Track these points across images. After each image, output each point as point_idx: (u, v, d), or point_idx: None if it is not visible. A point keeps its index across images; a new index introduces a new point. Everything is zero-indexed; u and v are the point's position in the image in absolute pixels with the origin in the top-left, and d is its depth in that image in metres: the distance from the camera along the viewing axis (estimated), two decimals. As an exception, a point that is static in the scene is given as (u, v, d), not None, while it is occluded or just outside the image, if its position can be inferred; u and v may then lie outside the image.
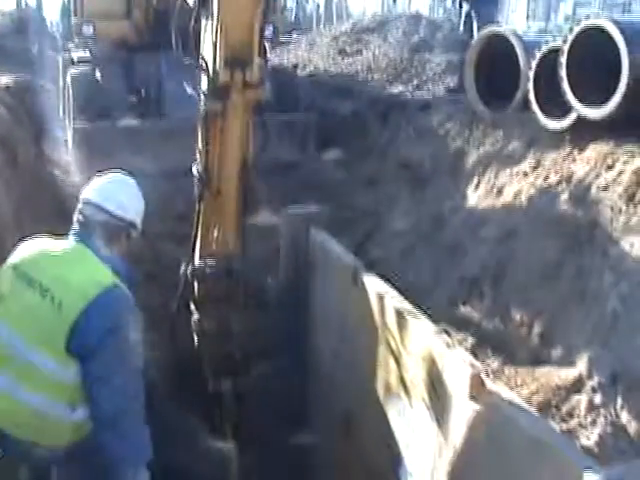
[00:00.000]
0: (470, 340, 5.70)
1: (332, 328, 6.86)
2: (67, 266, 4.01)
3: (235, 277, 6.64)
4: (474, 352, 5.31)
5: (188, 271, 6.56)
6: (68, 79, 11.30)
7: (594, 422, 4.69)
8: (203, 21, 5.57)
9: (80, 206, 4.17)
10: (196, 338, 6.88)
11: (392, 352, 5.59)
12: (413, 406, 5.33)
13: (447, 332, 5.12)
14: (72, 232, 4.13)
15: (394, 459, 5.67)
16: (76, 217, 4.15)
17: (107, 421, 3.84)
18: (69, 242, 4.10)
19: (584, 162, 5.86)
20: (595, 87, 6.09)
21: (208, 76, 5.64)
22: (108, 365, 3.84)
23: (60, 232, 4.21)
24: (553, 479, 3.85)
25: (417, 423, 5.29)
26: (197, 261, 6.54)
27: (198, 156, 6.09)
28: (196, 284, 6.67)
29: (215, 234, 6.40)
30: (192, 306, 6.79)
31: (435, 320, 5.37)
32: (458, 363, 4.69)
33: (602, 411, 4.68)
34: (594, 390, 4.78)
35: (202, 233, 6.44)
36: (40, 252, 4.10)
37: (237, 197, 6.24)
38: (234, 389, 7.01)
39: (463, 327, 5.88)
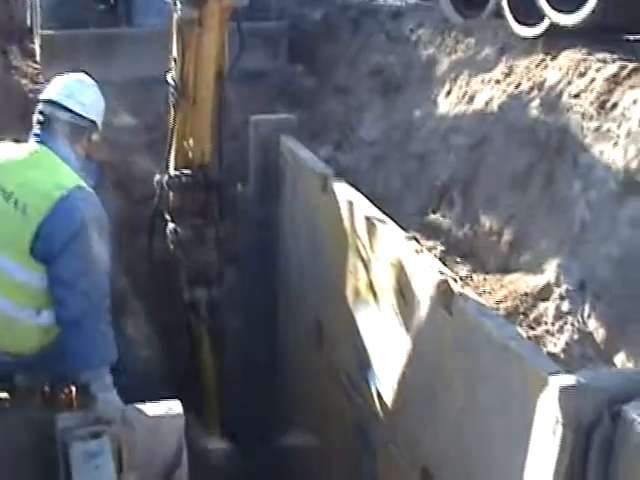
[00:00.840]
0: (439, 248, 5.65)
1: (302, 236, 6.80)
2: (30, 170, 3.91)
3: (211, 188, 6.59)
4: (443, 260, 5.25)
5: (163, 181, 6.49)
6: (35, -14, 10.98)
7: (561, 329, 4.66)
8: None
9: (41, 106, 4.06)
10: (171, 247, 6.84)
11: (361, 259, 5.54)
12: (382, 312, 5.29)
13: (416, 239, 5.05)
14: (33, 134, 4.02)
15: (363, 364, 5.66)
16: (36, 117, 4.05)
17: (72, 324, 3.78)
18: (31, 145, 3.99)
19: (556, 69, 5.74)
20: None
21: None
22: (73, 268, 3.77)
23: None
24: (519, 384, 3.82)
25: (386, 330, 5.26)
26: (172, 171, 6.46)
27: (173, 64, 5.95)
28: (171, 194, 6.60)
29: (191, 144, 6.31)
30: (167, 216, 6.73)
31: (405, 228, 5.31)
32: (426, 269, 4.63)
33: (569, 318, 4.65)
34: (562, 297, 4.75)
35: (177, 143, 6.34)
36: (2, 158, 4.00)
37: (213, 106, 6.13)
38: (209, 298, 6.99)
39: (432, 235, 5.83)
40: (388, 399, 5.35)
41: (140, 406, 2.98)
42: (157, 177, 6.48)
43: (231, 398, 7.51)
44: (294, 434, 7.29)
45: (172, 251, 6.81)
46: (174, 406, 2.93)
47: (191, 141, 6.24)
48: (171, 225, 6.67)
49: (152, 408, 2.94)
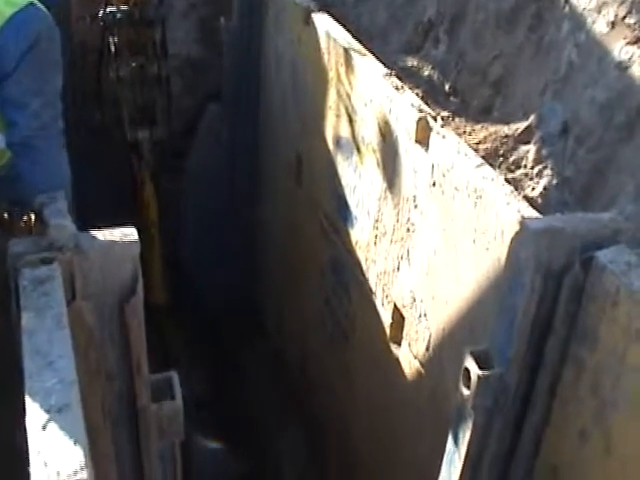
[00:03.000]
0: (422, 87, 5.41)
1: (284, 69, 6.55)
2: None
3: (149, 25, 6.44)
4: (425, 99, 5.02)
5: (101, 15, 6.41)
6: None
7: (540, 173, 4.49)
8: None
9: None
10: (116, 86, 6.73)
11: (341, 95, 5.33)
12: (360, 150, 5.11)
13: (398, 76, 4.81)
14: None
15: (341, 204, 5.54)
16: None
17: (22, 146, 3.60)
18: None
19: None
20: None
21: None
22: (25, 88, 3.56)
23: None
24: (492, 227, 3.69)
25: (363, 167, 5.10)
26: (110, 7, 6.39)
27: None
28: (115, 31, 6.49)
29: None
30: (112, 52, 6.55)
31: (388, 65, 5.07)
32: (406, 106, 4.43)
33: (549, 163, 4.47)
34: (543, 141, 4.55)
35: None
36: None
37: None
38: (151, 138, 6.88)
39: (415, 74, 5.58)
40: (363, 238, 5.25)
41: (94, 232, 2.80)
42: (100, 13, 6.40)
43: (210, 227, 7.49)
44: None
45: (117, 90, 6.72)
46: (129, 232, 2.75)
47: None
48: (114, 63, 6.56)
49: (106, 234, 2.77)
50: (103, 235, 2.77)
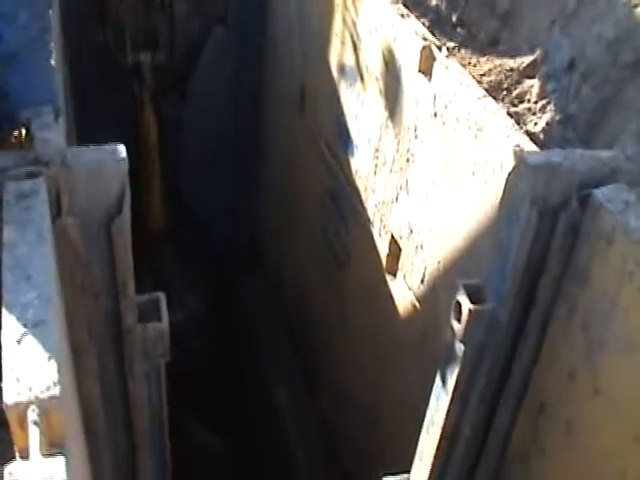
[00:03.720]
0: (429, 17, 5.27)
1: (290, 9, 6.41)
2: None
3: None
4: (431, 29, 4.89)
5: None
6: None
7: (544, 109, 4.36)
8: None
9: None
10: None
11: (347, 22, 5.19)
12: (364, 78, 5.00)
13: (405, 4, 4.68)
14: None
15: (342, 132, 5.45)
16: None
17: (9, 59, 3.47)
18: None
19: None
20: None
21: None
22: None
23: None
24: (493, 160, 3.60)
25: (366, 95, 4.99)
26: None
27: None
28: None
29: None
30: None
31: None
32: (410, 35, 4.31)
33: (553, 98, 4.35)
34: (548, 76, 4.43)
35: None
36: None
37: None
38: (153, 62, 6.77)
39: (423, 4, 5.43)
40: (363, 167, 5.17)
41: (82, 148, 2.71)
42: None
43: (212, 153, 7.42)
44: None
45: (120, 12, 6.58)
46: (118, 150, 2.65)
47: None
48: None
49: (94, 151, 2.67)
50: (91, 151, 2.67)
